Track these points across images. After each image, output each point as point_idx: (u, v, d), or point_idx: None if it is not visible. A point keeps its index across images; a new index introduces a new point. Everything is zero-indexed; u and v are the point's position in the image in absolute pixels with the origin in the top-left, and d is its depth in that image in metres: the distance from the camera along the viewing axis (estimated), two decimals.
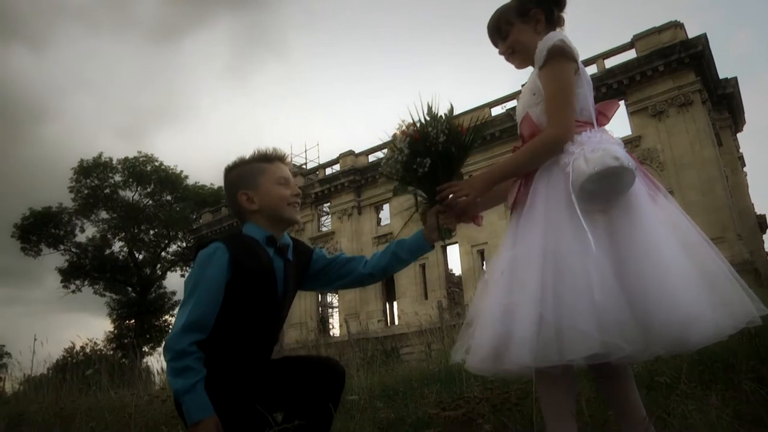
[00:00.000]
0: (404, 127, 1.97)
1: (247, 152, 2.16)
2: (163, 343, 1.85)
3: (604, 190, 1.63)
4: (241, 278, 1.92)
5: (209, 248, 1.94)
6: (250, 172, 2.09)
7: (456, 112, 2.10)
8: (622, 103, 22.44)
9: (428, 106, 1.97)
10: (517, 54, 1.98)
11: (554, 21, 1.95)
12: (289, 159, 2.20)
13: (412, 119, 1.97)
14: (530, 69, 1.97)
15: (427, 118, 1.95)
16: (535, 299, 1.54)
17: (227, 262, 1.90)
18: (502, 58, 2.04)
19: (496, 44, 2.04)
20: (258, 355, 2.00)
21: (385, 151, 2.07)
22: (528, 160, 1.80)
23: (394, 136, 1.99)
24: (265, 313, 1.99)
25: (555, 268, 1.57)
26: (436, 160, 1.92)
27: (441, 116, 1.95)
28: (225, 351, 1.90)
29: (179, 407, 1.85)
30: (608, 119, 1.90)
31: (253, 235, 2.03)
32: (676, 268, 1.56)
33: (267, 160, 2.12)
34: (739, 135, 28.13)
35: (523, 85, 2.06)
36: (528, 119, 1.87)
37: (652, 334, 1.50)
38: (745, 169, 27.95)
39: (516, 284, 1.63)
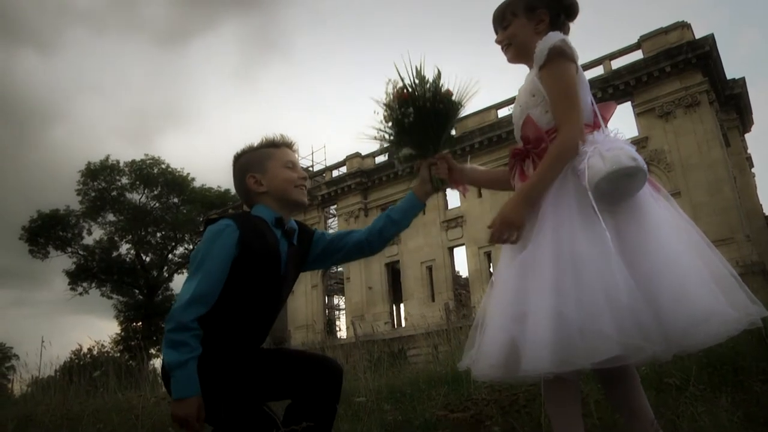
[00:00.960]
0: (395, 88, 2.02)
1: None
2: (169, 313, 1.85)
3: (616, 190, 1.62)
4: (248, 257, 1.94)
5: (219, 224, 1.97)
6: (258, 157, 2.13)
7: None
8: (629, 104, 22.42)
9: (416, 68, 2.02)
10: (512, 47, 1.95)
11: (559, 26, 1.90)
12: (296, 146, 2.23)
13: (402, 81, 2.02)
14: (526, 70, 1.94)
15: (416, 81, 2.01)
16: (551, 303, 1.51)
17: (236, 240, 1.93)
18: (501, 53, 2.01)
19: (496, 32, 2.01)
20: (253, 337, 2.02)
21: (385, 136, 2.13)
22: (552, 170, 1.70)
23: (386, 96, 2.04)
24: (265, 293, 2.01)
25: (572, 269, 1.54)
26: (426, 114, 1.99)
27: (429, 79, 2.01)
28: (221, 330, 1.91)
29: (167, 379, 1.86)
30: (606, 121, 1.87)
31: (262, 216, 2.06)
32: (687, 265, 1.56)
33: (274, 145, 2.16)
34: (747, 135, 27.98)
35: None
36: (530, 122, 1.82)
37: (672, 331, 1.49)
38: (753, 169, 27.78)
39: (528, 288, 1.59)
